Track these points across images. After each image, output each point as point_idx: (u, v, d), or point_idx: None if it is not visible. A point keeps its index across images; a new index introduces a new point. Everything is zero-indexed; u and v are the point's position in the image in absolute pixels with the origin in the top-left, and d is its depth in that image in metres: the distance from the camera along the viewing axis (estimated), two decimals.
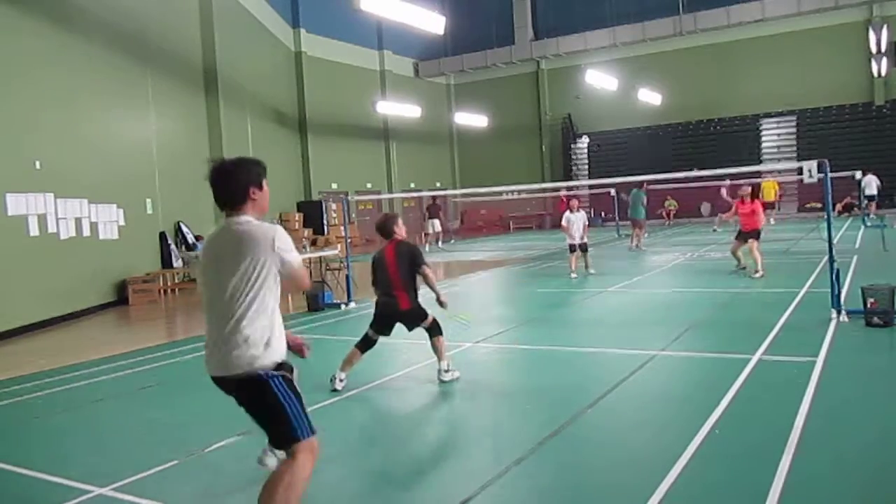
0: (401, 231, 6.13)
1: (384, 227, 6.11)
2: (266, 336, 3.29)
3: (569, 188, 29.97)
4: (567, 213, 13.39)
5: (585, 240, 13.40)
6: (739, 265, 12.38)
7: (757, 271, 11.74)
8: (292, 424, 3.23)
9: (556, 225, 21.02)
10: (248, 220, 3.32)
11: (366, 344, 6.08)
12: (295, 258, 3.32)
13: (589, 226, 14.02)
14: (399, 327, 6.12)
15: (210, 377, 3.36)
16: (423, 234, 24.23)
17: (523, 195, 30.90)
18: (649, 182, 18.50)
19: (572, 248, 13.42)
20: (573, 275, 13.13)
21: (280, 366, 3.34)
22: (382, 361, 6.85)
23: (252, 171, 3.40)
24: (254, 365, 3.23)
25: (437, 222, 24.04)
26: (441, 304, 6.01)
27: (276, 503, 3.08)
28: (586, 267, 13.47)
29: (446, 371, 6.02)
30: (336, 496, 3.90)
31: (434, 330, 6.05)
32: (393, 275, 5.93)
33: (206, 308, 3.38)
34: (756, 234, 11.98)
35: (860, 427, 4.42)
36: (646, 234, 19.82)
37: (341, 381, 5.93)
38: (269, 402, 3.24)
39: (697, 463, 3.91)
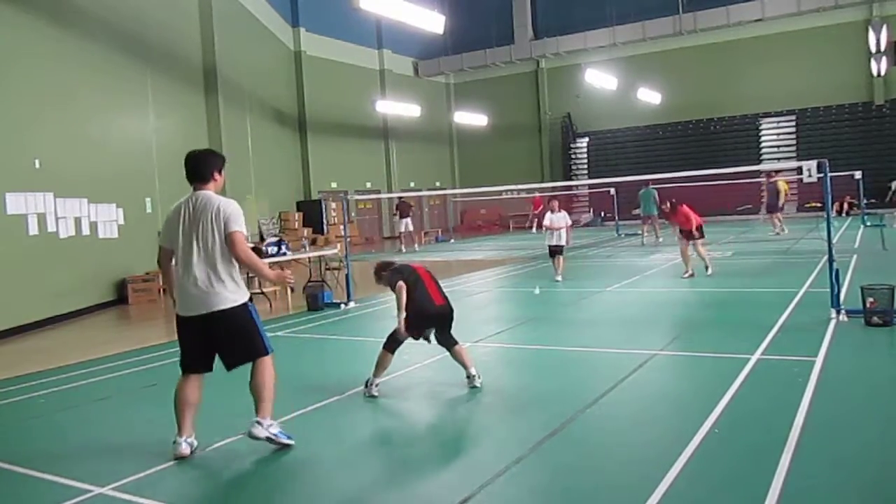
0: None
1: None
2: (238, 277, 4.54)
3: (546, 188, 29.96)
4: (549, 213, 12.75)
5: (563, 243, 12.61)
6: (706, 265, 12.06)
7: (687, 272, 11.67)
8: (264, 341, 4.55)
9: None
10: (211, 193, 4.56)
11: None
12: (236, 228, 4.42)
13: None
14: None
15: (188, 317, 4.47)
16: (403, 236, 23.57)
17: (523, 195, 30.89)
18: (652, 181, 19.04)
19: (552, 252, 12.72)
20: (558, 278, 12.52)
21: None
22: None
23: (217, 159, 4.70)
24: (238, 299, 4.47)
25: (409, 221, 23.25)
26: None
27: (266, 381, 4.51)
28: (556, 271, 12.64)
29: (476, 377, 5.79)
30: (336, 496, 3.91)
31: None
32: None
33: (185, 260, 4.47)
34: (699, 232, 11.81)
35: (860, 427, 4.42)
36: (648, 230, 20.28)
37: (376, 386, 5.73)
38: (249, 325, 4.51)
39: (697, 463, 3.92)
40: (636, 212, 20.45)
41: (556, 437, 4.50)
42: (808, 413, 4.60)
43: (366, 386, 5.74)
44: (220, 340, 4.50)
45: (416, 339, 5.82)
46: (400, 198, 24.24)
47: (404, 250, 22.79)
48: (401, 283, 5.61)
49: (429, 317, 5.74)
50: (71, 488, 4.08)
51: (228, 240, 4.42)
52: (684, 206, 12.03)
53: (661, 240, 19.37)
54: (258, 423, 4.52)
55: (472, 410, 5.46)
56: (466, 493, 3.69)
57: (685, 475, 3.75)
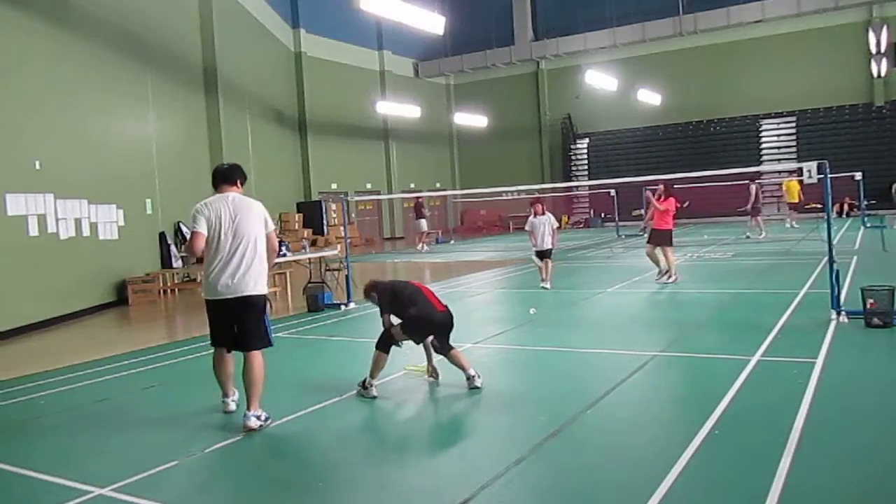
0: None
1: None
2: (265, 270, 5.20)
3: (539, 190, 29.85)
4: (531, 217, 12.02)
5: (551, 246, 11.95)
6: (661, 270, 11.58)
7: (672, 277, 11.28)
8: (270, 334, 5.19)
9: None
10: (241, 194, 5.29)
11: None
12: (273, 227, 5.37)
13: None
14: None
15: (217, 300, 5.05)
16: (419, 236, 24.17)
17: (523, 195, 30.87)
18: (653, 182, 18.94)
19: (540, 255, 12.03)
20: (546, 284, 11.83)
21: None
22: None
23: (243, 174, 5.50)
24: (263, 289, 5.14)
25: (423, 222, 23.80)
26: None
27: (261, 373, 5.03)
28: (544, 277, 11.93)
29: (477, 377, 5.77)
30: (335, 496, 3.91)
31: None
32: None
33: (226, 250, 5.01)
34: (668, 239, 11.35)
35: (860, 428, 4.43)
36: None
37: (374, 387, 5.71)
38: (262, 316, 5.12)
39: (697, 463, 3.92)
40: (637, 212, 20.43)
41: (556, 437, 4.50)
42: (809, 414, 4.60)
43: (363, 387, 5.73)
44: (243, 323, 5.07)
45: (418, 343, 5.92)
46: (417, 198, 24.60)
47: (424, 249, 23.10)
48: (385, 315, 5.80)
49: (433, 323, 5.79)
50: (71, 489, 4.08)
51: (268, 238, 5.23)
52: (675, 200, 11.51)
53: None
54: (254, 416, 4.93)
55: (471, 411, 5.46)
56: (466, 495, 3.69)
57: (685, 476, 3.75)
